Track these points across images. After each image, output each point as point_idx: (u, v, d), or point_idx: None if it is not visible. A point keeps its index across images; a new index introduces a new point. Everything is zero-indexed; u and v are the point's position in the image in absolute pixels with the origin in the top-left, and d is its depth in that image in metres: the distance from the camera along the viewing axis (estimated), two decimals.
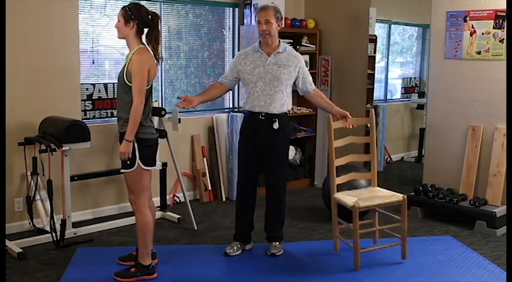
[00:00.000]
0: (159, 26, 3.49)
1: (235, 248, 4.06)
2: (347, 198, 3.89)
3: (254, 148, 3.95)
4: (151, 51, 3.46)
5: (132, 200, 3.56)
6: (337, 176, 4.03)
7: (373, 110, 4.12)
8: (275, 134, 3.89)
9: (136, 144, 3.40)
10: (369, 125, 4.22)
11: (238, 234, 4.13)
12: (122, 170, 3.49)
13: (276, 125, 3.88)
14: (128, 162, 3.42)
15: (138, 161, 3.42)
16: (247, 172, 4.03)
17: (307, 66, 6.06)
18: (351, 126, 4.06)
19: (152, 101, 3.64)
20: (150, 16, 3.45)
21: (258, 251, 4.13)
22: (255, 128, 3.93)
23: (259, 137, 3.92)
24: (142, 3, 5.08)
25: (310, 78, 4.04)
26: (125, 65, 3.42)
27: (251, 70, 3.90)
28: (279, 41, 3.94)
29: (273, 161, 3.96)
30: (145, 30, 3.47)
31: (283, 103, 3.91)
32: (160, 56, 3.53)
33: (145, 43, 3.47)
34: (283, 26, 5.70)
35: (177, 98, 4.00)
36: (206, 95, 4.06)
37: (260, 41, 3.93)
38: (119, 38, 3.51)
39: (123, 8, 3.44)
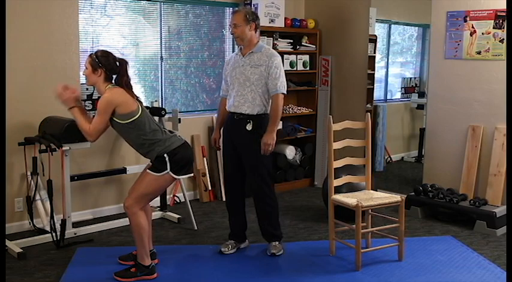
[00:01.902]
0: (128, 71, 3.50)
1: (229, 246, 4.09)
2: (347, 199, 3.89)
3: (234, 148, 3.98)
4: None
5: (128, 204, 3.52)
6: (336, 178, 4.04)
7: (368, 114, 4.12)
8: (249, 135, 3.89)
9: (167, 158, 3.45)
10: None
11: (232, 233, 4.16)
12: (148, 170, 3.52)
13: (249, 127, 3.88)
14: (158, 169, 3.47)
15: (169, 171, 3.46)
16: (230, 172, 4.07)
17: (306, 67, 6.10)
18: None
19: (155, 121, 3.66)
20: (117, 63, 3.45)
21: (257, 251, 4.13)
22: (231, 128, 3.98)
23: (235, 137, 3.96)
24: (143, 3, 5.11)
25: (277, 82, 3.84)
26: None
27: (230, 72, 3.99)
28: (257, 41, 3.95)
29: (251, 162, 3.95)
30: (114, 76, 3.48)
31: (257, 103, 3.88)
32: (138, 98, 3.54)
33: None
34: (283, 25, 5.77)
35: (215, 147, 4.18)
36: (221, 119, 4.14)
37: None
38: (88, 85, 3.52)
39: (90, 55, 3.46)
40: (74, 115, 3.48)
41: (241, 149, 3.95)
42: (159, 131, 3.52)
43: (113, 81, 3.47)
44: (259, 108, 3.89)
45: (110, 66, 3.42)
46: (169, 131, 3.64)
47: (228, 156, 4.05)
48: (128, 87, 3.46)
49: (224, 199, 5.56)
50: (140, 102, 3.53)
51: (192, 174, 3.76)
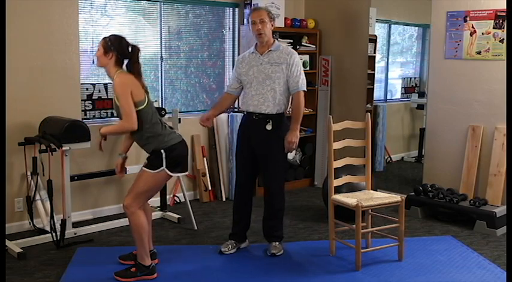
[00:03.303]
0: (140, 58, 3.52)
1: (230, 246, 4.09)
2: (347, 199, 3.89)
3: (249, 148, 3.97)
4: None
5: (127, 203, 3.51)
6: (336, 178, 4.04)
7: (368, 114, 4.12)
8: (269, 135, 3.89)
9: (164, 154, 3.45)
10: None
11: (233, 233, 4.16)
12: (143, 168, 3.52)
13: (269, 126, 3.87)
14: (153, 165, 3.46)
15: (164, 168, 3.45)
16: (243, 172, 4.07)
17: (306, 66, 6.10)
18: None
19: (158, 115, 3.65)
20: (130, 48, 3.47)
21: (257, 251, 4.13)
22: (250, 128, 3.96)
23: (253, 137, 3.94)
24: (143, 3, 5.11)
25: (298, 80, 3.87)
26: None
27: (246, 71, 3.95)
28: (274, 40, 3.96)
29: (267, 161, 3.95)
30: (126, 61, 3.49)
31: (277, 102, 3.88)
32: (146, 87, 3.55)
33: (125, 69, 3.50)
34: (283, 25, 5.78)
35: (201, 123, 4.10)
36: (219, 108, 4.14)
37: (256, 43, 3.98)
38: (98, 66, 3.54)
39: (104, 38, 3.47)
40: (110, 132, 3.55)
41: (258, 148, 3.93)
42: (160, 124, 3.52)
43: (124, 67, 3.47)
44: (278, 107, 3.89)
45: (121, 51, 3.44)
46: (170, 127, 3.64)
47: (243, 157, 4.04)
48: (139, 74, 3.48)
49: (224, 199, 5.58)
50: (147, 92, 3.53)
51: (186, 173, 3.75)
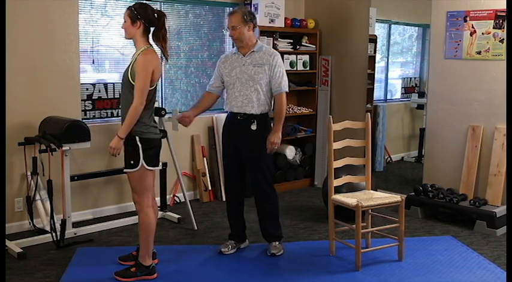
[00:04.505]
0: (166, 24, 3.49)
1: (230, 246, 4.09)
2: (347, 199, 3.89)
3: (235, 148, 3.96)
4: (159, 50, 3.49)
5: (135, 200, 3.56)
6: (336, 178, 4.04)
7: (368, 114, 4.12)
8: (253, 135, 3.88)
9: (140, 145, 3.41)
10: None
11: (233, 233, 4.16)
12: (125, 170, 3.49)
13: (254, 127, 3.87)
14: (132, 162, 3.42)
15: (141, 161, 3.42)
16: (230, 173, 4.06)
17: (306, 67, 6.10)
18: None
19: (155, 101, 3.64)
20: (156, 15, 3.45)
21: (257, 251, 4.13)
22: (234, 128, 3.95)
23: (238, 138, 3.93)
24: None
25: (281, 81, 3.85)
26: (129, 65, 3.42)
27: (229, 72, 3.94)
28: (256, 41, 3.95)
29: (253, 162, 3.94)
30: (152, 29, 3.46)
31: (261, 103, 3.87)
32: (168, 54, 3.54)
33: (151, 43, 3.47)
34: (283, 25, 5.77)
35: (175, 118, 4.04)
36: (200, 107, 4.09)
37: None
38: (126, 39, 3.49)
39: (129, 8, 3.43)
40: (125, 128, 3.36)
41: (244, 149, 3.93)
42: (150, 113, 3.47)
43: (150, 36, 3.44)
44: (263, 108, 3.88)
45: (148, 18, 3.41)
46: (154, 121, 3.57)
47: (229, 157, 4.04)
48: (165, 41, 3.46)
49: (224, 199, 5.57)
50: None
51: (158, 168, 3.68)
